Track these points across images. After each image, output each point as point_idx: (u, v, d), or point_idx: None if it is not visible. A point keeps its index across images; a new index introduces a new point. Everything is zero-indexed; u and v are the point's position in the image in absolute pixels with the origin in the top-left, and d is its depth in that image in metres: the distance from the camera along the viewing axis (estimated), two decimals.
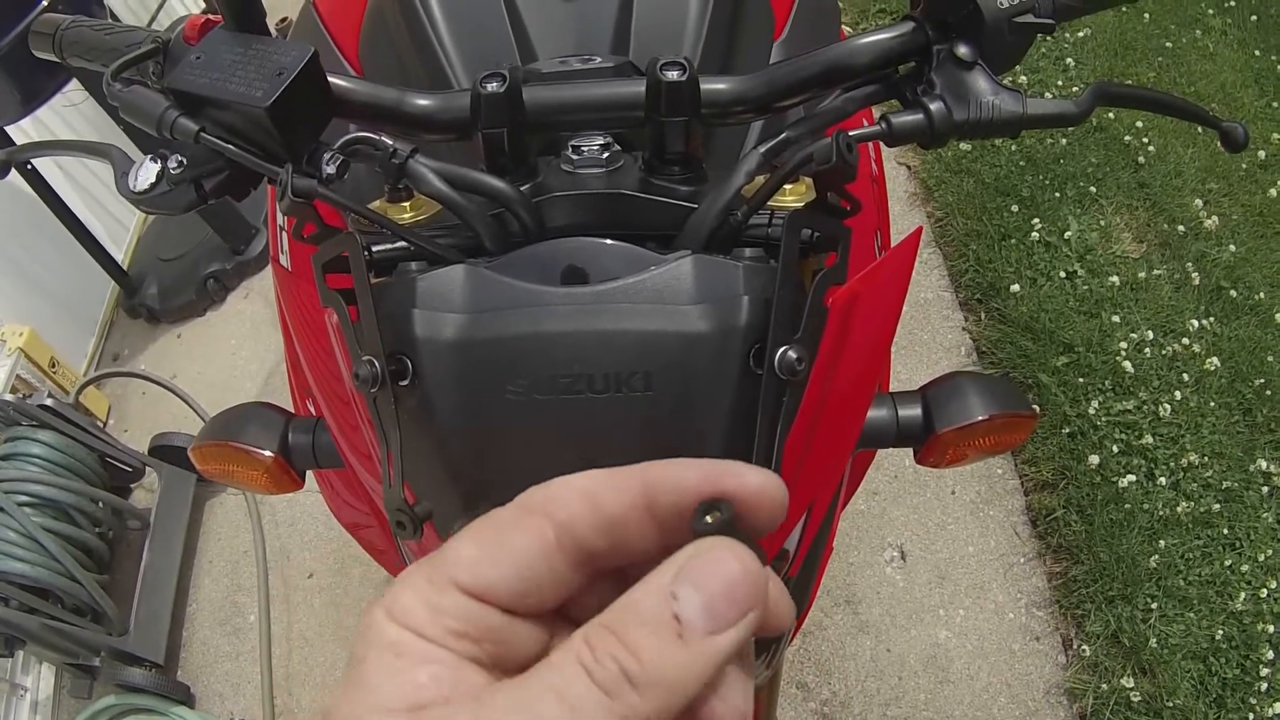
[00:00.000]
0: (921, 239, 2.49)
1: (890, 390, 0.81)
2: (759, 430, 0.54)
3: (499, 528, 0.28)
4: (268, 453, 0.77)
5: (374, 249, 0.62)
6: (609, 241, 0.60)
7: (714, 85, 0.64)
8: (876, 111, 0.68)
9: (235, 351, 2.79)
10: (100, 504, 2.19)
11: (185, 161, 0.62)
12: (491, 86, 0.63)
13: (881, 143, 0.62)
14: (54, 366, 2.49)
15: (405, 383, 0.56)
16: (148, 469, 2.37)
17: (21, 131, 2.51)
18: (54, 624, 1.94)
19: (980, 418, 0.72)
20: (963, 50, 0.61)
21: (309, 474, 0.89)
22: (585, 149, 0.67)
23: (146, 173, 0.62)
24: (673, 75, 0.61)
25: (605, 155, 0.67)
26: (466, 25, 0.91)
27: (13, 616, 1.85)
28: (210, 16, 0.65)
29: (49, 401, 2.16)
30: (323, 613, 2.22)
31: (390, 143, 0.62)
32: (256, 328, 2.85)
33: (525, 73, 0.73)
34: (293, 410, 0.85)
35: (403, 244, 0.62)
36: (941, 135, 0.61)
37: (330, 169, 0.59)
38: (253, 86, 0.56)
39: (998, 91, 0.61)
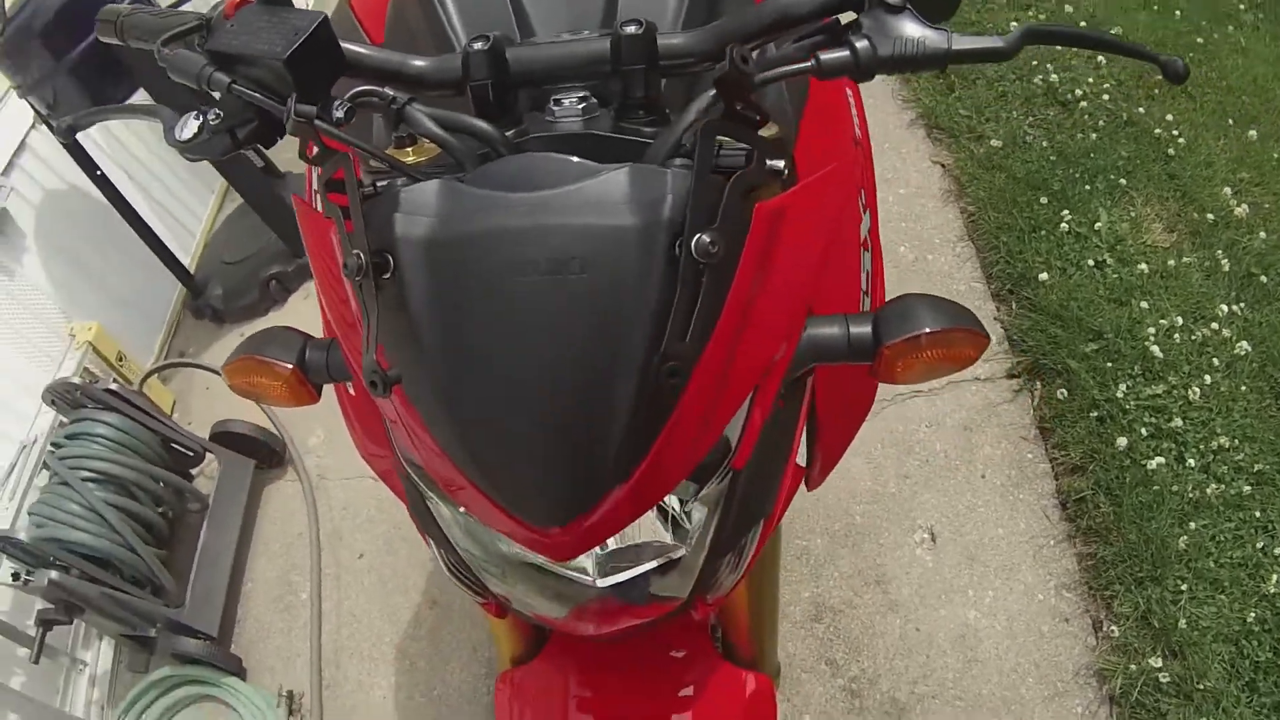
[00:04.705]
0: (958, 235, 2.53)
1: None
2: (676, 307, 0.62)
3: None
4: (287, 365, 0.88)
5: (378, 184, 0.72)
6: (564, 156, 0.69)
7: (669, 40, 0.75)
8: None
9: None
10: (161, 483, 2.29)
11: (221, 115, 0.73)
12: (478, 45, 0.75)
13: (856, 107, 0.67)
14: (120, 361, 2.61)
15: (388, 276, 0.66)
16: (208, 454, 2.47)
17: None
18: (113, 593, 2.03)
19: (925, 330, 0.77)
20: None
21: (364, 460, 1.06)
22: (565, 101, 0.78)
23: (190, 127, 0.74)
24: (630, 30, 0.73)
25: (582, 106, 0.77)
26: (476, 13, 1.04)
27: (74, 584, 1.94)
28: None
29: (114, 386, 2.28)
30: (372, 590, 2.32)
31: (391, 93, 0.72)
32: (317, 327, 2.95)
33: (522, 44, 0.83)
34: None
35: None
36: (867, 69, 0.68)
37: (339, 114, 0.69)
38: (274, 45, 0.67)
39: (924, 30, 0.68)
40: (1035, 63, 2.93)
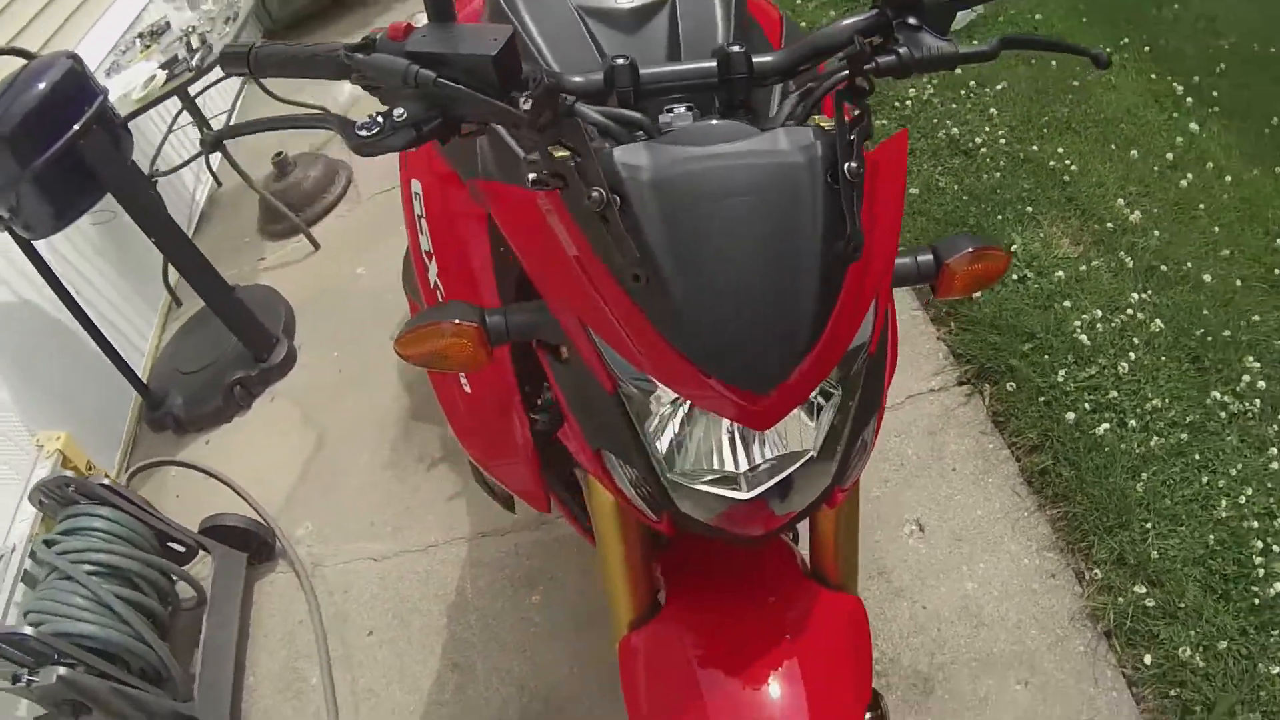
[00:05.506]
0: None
1: None
2: (847, 209, 0.86)
3: None
4: (471, 323, 1.01)
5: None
6: (729, 122, 0.94)
7: (760, 58, 1.01)
8: None
9: (266, 452, 2.92)
10: (163, 575, 2.27)
11: (406, 113, 0.88)
12: (620, 62, 0.98)
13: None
14: (90, 470, 2.58)
15: (617, 208, 0.85)
16: (200, 551, 2.45)
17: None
18: (122, 688, 1.97)
19: (969, 249, 1.07)
20: (912, 20, 0.97)
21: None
22: (676, 109, 1.01)
23: (367, 128, 0.87)
24: (735, 49, 0.99)
25: (691, 114, 1.01)
26: (562, 47, 1.27)
27: (83, 680, 1.88)
28: (410, 23, 0.92)
29: (106, 481, 2.27)
30: (387, 664, 2.32)
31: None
32: (286, 429, 2.99)
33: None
34: None
35: None
36: (908, 67, 0.95)
37: (525, 106, 0.86)
38: (476, 48, 0.85)
39: (938, 41, 0.97)
40: (936, 121, 3.29)
